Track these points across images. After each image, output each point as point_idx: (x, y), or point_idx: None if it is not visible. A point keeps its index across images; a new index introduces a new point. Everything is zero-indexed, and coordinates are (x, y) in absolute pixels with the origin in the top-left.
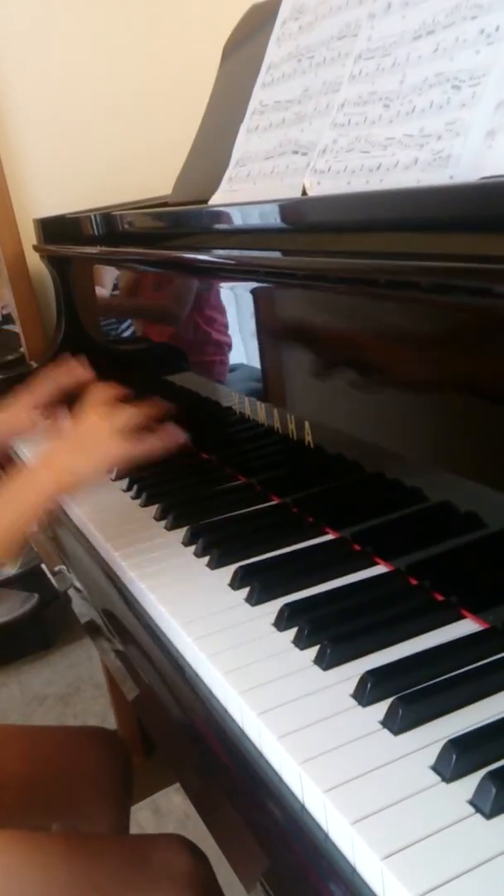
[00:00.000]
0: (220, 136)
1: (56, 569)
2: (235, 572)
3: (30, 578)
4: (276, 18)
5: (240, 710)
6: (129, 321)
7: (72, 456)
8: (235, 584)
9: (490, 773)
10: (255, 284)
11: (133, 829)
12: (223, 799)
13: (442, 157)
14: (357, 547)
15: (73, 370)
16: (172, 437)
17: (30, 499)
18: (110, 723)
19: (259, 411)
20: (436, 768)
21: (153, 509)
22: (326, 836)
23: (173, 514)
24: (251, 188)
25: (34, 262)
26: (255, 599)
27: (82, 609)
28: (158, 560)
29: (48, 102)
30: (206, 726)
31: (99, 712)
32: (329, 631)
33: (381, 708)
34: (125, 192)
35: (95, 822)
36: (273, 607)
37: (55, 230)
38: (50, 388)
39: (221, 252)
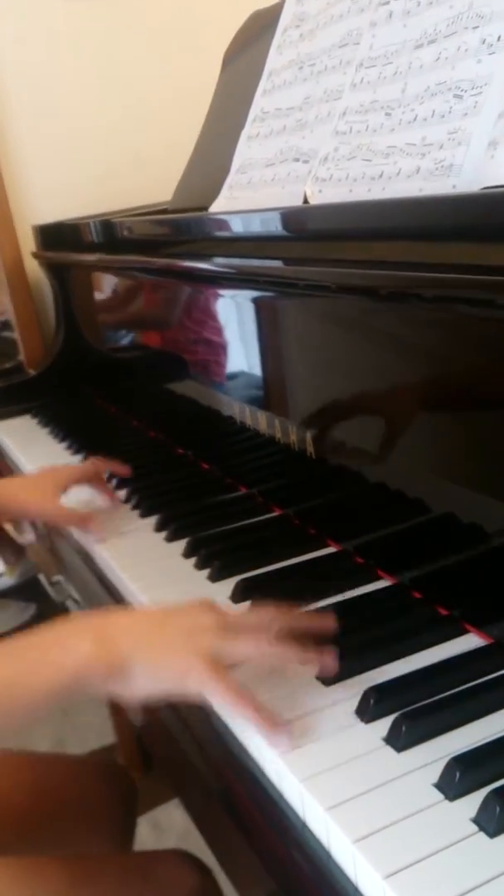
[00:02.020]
0: (220, 143)
1: (54, 579)
2: (236, 585)
3: (28, 588)
4: (276, 26)
5: (241, 727)
6: (128, 328)
7: (140, 637)
8: (236, 597)
9: (494, 791)
10: (255, 293)
11: (133, 845)
12: (224, 817)
13: (444, 166)
14: (360, 560)
15: (120, 467)
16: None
17: (49, 666)
18: (109, 735)
19: (260, 421)
20: (439, 786)
21: (152, 520)
22: (328, 854)
23: (173, 526)
24: (252, 195)
25: (33, 268)
26: None
27: None
28: (157, 572)
29: (47, 109)
30: (208, 742)
31: (98, 725)
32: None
33: (384, 724)
34: (124, 199)
35: (98, 850)
36: None
37: (54, 237)
38: (87, 476)
39: (222, 260)
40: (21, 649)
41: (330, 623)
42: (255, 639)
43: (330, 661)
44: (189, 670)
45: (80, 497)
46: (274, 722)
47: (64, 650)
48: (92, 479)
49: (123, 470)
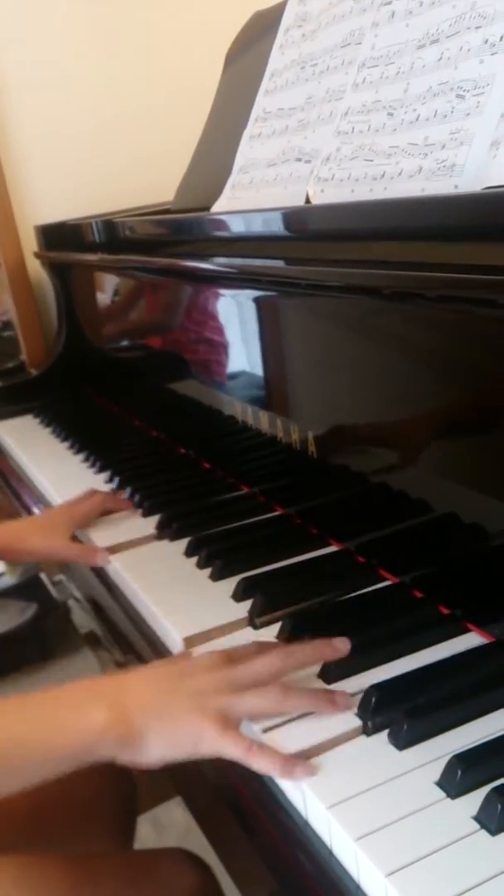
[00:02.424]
0: (222, 143)
1: (56, 578)
2: (238, 584)
3: (29, 588)
4: (279, 26)
5: (244, 727)
6: (130, 328)
7: (152, 707)
8: (238, 596)
9: (495, 789)
10: (257, 293)
11: (134, 843)
12: (226, 816)
13: (446, 167)
14: (361, 559)
15: (122, 502)
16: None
17: (62, 732)
18: None
19: (262, 421)
20: (441, 784)
21: (155, 519)
22: (330, 852)
23: (175, 525)
24: (254, 195)
25: (35, 268)
26: (258, 612)
27: (82, 620)
28: (160, 571)
29: (49, 109)
30: None
31: None
32: None
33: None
34: (126, 199)
35: (98, 849)
36: (276, 621)
37: (56, 237)
38: (94, 512)
39: (224, 260)
40: (35, 710)
41: (342, 649)
42: (265, 693)
43: (343, 704)
44: (201, 734)
45: None
46: (289, 764)
47: (78, 717)
48: (102, 512)
49: (126, 504)
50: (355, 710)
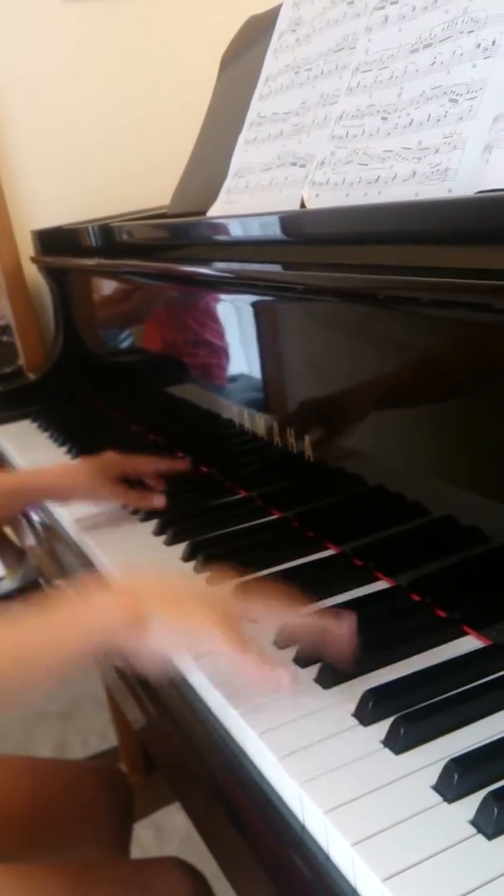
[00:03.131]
0: (218, 148)
1: (55, 583)
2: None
3: (30, 592)
4: (273, 30)
5: (240, 730)
6: (127, 332)
7: (159, 594)
8: None
9: (492, 793)
10: (253, 297)
11: (134, 848)
12: (224, 820)
13: (440, 171)
14: (358, 562)
15: (179, 464)
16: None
17: (76, 623)
18: (111, 739)
19: (259, 424)
20: (437, 788)
21: (152, 524)
22: (327, 857)
23: (173, 529)
24: (249, 200)
25: (32, 273)
26: None
27: None
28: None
29: (46, 114)
30: (208, 745)
31: (100, 729)
32: None
33: (382, 727)
34: (123, 204)
35: (95, 857)
36: None
37: (53, 241)
38: (146, 471)
39: (220, 264)
40: (48, 611)
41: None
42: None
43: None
44: (204, 620)
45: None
46: (275, 674)
47: (88, 605)
48: (149, 476)
49: (180, 465)
50: (352, 713)
